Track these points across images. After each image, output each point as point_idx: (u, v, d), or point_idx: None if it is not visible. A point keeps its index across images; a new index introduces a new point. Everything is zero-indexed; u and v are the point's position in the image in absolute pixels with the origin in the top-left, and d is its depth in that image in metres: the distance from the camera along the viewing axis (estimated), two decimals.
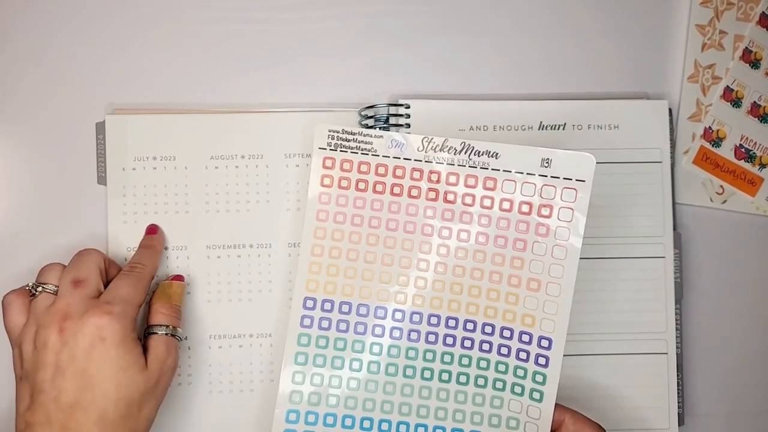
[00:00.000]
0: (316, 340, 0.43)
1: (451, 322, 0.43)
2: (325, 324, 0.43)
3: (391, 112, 0.48)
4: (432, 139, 0.43)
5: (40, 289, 0.41)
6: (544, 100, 0.49)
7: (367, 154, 0.43)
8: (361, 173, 0.43)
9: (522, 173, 0.42)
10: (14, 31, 0.48)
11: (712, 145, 0.50)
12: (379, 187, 0.43)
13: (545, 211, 0.42)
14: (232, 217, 0.47)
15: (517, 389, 0.42)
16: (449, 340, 0.43)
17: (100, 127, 0.47)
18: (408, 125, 0.47)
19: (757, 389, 0.50)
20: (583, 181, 0.41)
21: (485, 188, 0.43)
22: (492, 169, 0.42)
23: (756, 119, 0.50)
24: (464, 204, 0.43)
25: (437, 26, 0.50)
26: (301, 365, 0.43)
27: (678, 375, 0.48)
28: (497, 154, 0.42)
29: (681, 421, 0.48)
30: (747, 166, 0.50)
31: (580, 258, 0.46)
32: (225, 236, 0.47)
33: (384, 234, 0.43)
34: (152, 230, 0.46)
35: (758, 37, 0.50)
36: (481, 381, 0.43)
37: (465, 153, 0.42)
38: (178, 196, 0.47)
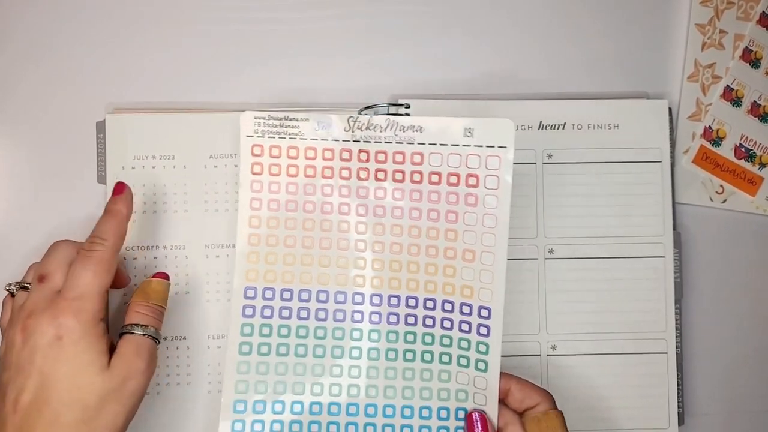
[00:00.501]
0: (259, 329, 0.43)
1: (393, 300, 0.43)
2: (267, 312, 0.43)
3: (391, 112, 0.48)
4: (357, 118, 0.43)
5: (18, 288, 0.41)
6: (543, 99, 0.49)
7: (295, 138, 0.43)
8: (290, 158, 0.43)
9: (447, 145, 0.42)
10: (14, 31, 0.48)
11: (712, 145, 0.50)
12: (309, 171, 0.43)
13: (472, 181, 0.42)
14: (231, 216, 0.47)
15: (463, 361, 0.42)
16: (393, 318, 0.43)
17: (101, 126, 0.47)
18: None
19: (757, 389, 0.50)
20: (505, 147, 0.41)
21: (413, 163, 0.42)
22: (418, 144, 0.42)
23: (756, 119, 0.50)
24: (395, 181, 0.43)
25: (437, 26, 0.50)
26: (245, 355, 0.43)
27: (678, 374, 0.48)
28: (421, 127, 0.42)
29: (681, 421, 0.48)
30: (747, 165, 0.50)
31: (580, 258, 0.46)
32: (224, 235, 0.47)
33: (319, 218, 0.43)
34: (118, 189, 0.43)
35: (758, 37, 0.50)
36: (427, 356, 0.43)
37: (391, 129, 0.42)
38: (177, 195, 0.47)
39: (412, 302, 0.43)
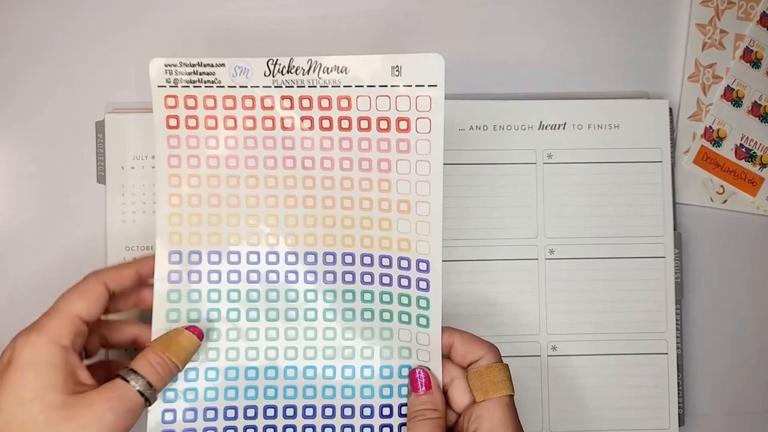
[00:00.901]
0: (187, 295, 0.40)
1: (329, 258, 0.41)
2: (195, 277, 0.40)
3: None
4: (277, 60, 0.39)
5: None
6: (544, 99, 0.49)
7: (212, 86, 0.40)
8: (208, 109, 0.40)
9: (374, 86, 0.39)
10: (14, 31, 0.48)
11: (713, 145, 0.50)
12: (230, 123, 0.40)
13: (403, 125, 0.39)
14: None
15: (404, 317, 0.40)
16: (329, 277, 0.41)
17: (100, 126, 0.47)
18: None
19: (757, 389, 0.50)
20: (435, 85, 0.38)
21: (340, 108, 0.39)
22: (344, 86, 0.39)
23: (756, 119, 0.50)
24: (322, 129, 0.40)
25: (437, 26, 0.50)
26: (174, 323, 0.40)
27: (678, 375, 0.48)
28: (346, 68, 0.39)
29: (681, 422, 0.48)
30: (747, 165, 0.50)
31: (580, 258, 0.46)
32: None
33: (244, 173, 0.40)
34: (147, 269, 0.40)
35: (759, 37, 0.50)
36: (368, 315, 0.41)
37: (314, 72, 0.39)
38: None
39: (348, 259, 0.41)
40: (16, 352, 0.32)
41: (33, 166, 0.48)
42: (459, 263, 0.47)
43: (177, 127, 0.40)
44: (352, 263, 0.41)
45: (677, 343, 0.48)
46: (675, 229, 0.49)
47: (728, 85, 0.50)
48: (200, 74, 0.39)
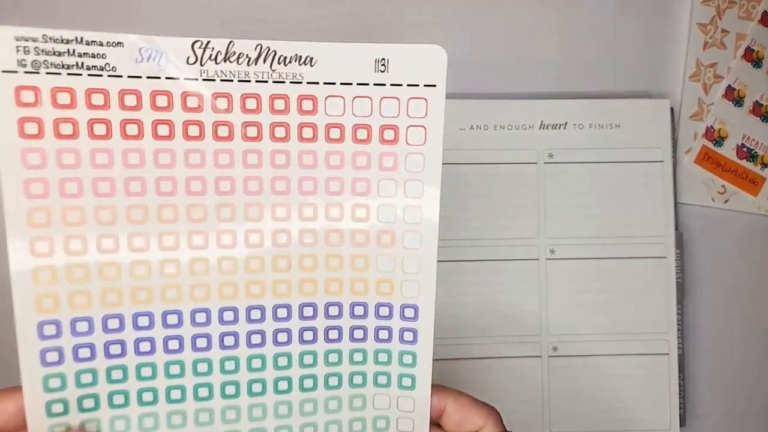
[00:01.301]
0: (75, 379, 0.29)
1: (281, 312, 0.31)
2: (85, 353, 0.29)
3: None
4: (208, 42, 0.28)
5: None
6: (544, 99, 0.48)
7: (101, 75, 0.27)
8: (94, 108, 0.27)
9: (351, 84, 0.30)
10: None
11: (714, 145, 0.50)
12: (131, 129, 0.28)
13: (389, 135, 0.30)
14: None
15: (382, 379, 0.32)
16: (282, 337, 0.31)
17: None
18: None
19: (759, 390, 0.50)
20: (434, 85, 0.30)
21: (302, 112, 0.30)
22: (308, 83, 0.29)
23: (758, 118, 0.50)
24: (274, 139, 0.30)
25: (437, 25, 0.49)
26: (58, 416, 0.28)
27: (679, 375, 0.48)
28: (312, 59, 0.29)
29: (682, 422, 0.48)
30: (749, 165, 0.50)
31: (581, 258, 0.46)
32: None
33: (155, 202, 0.29)
34: None
35: (760, 36, 0.50)
36: (333, 381, 0.32)
37: (265, 62, 0.29)
38: None
39: (308, 311, 0.31)
40: None
41: None
42: (459, 263, 0.47)
43: (39, 136, 0.27)
44: (313, 317, 0.32)
45: (678, 343, 0.48)
46: (676, 229, 0.48)
47: (729, 85, 0.50)
48: (81, 55, 0.27)
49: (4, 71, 0.26)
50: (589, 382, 0.47)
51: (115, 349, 0.29)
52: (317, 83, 0.29)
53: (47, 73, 0.27)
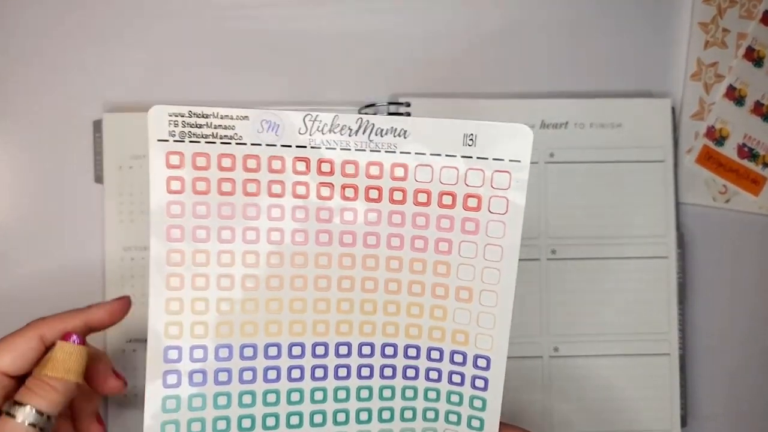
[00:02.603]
0: (188, 402, 0.33)
1: (366, 349, 0.35)
2: (198, 379, 0.34)
3: (391, 111, 0.47)
4: (317, 116, 0.33)
5: None
6: (545, 98, 0.48)
7: (230, 143, 0.33)
8: (224, 170, 0.33)
9: (439, 155, 0.33)
10: (12, 29, 0.48)
11: (715, 144, 0.50)
12: (251, 188, 0.33)
13: (472, 203, 0.34)
14: None
15: (453, 417, 0.35)
16: (365, 372, 0.35)
17: (98, 125, 0.47)
18: None
19: (760, 390, 0.50)
20: (519, 161, 0.33)
21: (394, 178, 0.33)
22: (401, 153, 0.33)
23: (759, 118, 0.50)
24: (368, 200, 0.34)
25: (437, 25, 0.49)
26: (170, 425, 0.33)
27: (680, 376, 0.47)
28: (405, 132, 0.33)
29: (683, 423, 0.48)
30: (750, 165, 0.50)
31: (582, 258, 0.45)
32: None
33: (265, 250, 0.34)
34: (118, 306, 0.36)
35: (761, 35, 0.50)
36: (408, 414, 0.36)
37: (364, 133, 0.33)
38: None
39: (389, 350, 0.35)
40: None
41: (30, 165, 0.47)
42: None
43: (181, 191, 0.33)
44: (394, 355, 0.35)
45: (679, 343, 0.48)
46: (677, 229, 0.48)
47: (730, 84, 0.50)
48: (215, 127, 0.33)
49: (159, 140, 0.32)
50: (590, 383, 0.47)
51: (222, 377, 0.34)
52: (409, 153, 0.33)
53: (190, 141, 0.33)
